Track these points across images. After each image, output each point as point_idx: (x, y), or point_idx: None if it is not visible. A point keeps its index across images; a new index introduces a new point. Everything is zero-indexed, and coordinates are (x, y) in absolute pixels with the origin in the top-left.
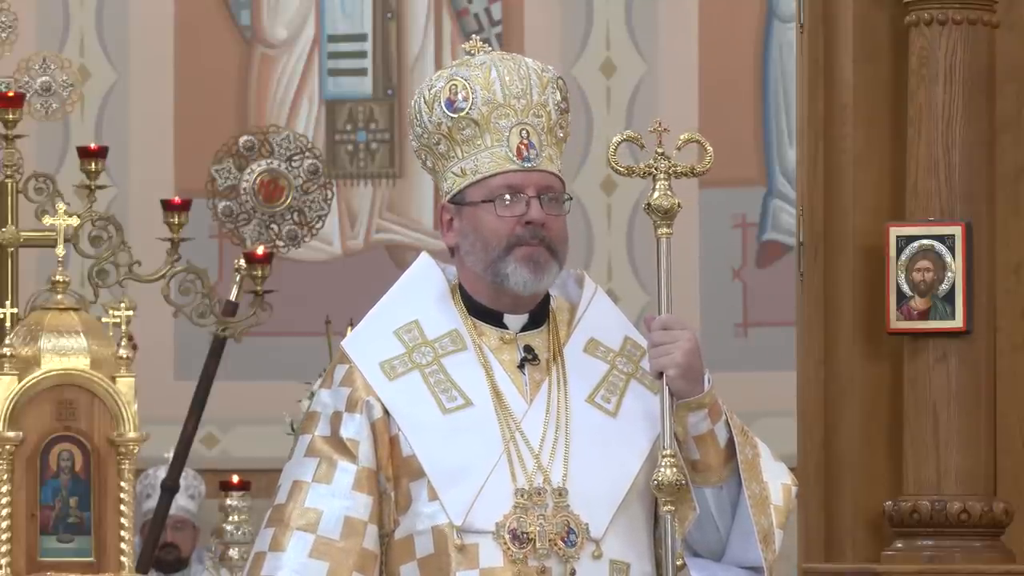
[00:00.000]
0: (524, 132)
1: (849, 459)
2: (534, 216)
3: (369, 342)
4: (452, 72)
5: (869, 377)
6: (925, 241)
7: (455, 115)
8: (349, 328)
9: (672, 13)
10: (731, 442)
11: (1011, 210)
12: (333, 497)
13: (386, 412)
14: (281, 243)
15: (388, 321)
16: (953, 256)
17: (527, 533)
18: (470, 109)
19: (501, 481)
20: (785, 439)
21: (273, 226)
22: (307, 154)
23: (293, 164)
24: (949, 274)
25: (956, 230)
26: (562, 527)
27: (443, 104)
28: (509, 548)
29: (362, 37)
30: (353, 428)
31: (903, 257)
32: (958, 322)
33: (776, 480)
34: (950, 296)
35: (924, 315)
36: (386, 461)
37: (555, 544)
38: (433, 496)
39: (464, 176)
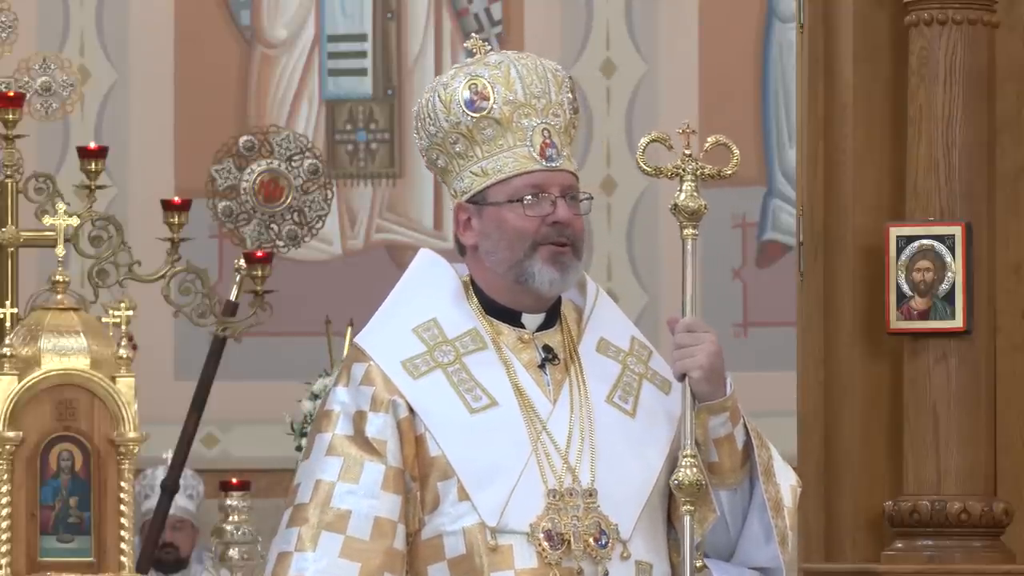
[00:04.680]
0: (546, 132)
1: (849, 459)
2: (561, 216)
3: (387, 340)
4: (469, 71)
5: (869, 377)
6: (925, 241)
7: (476, 115)
8: (349, 328)
9: (672, 13)
10: (747, 445)
11: (1011, 210)
12: (361, 497)
13: (411, 411)
14: (281, 243)
15: (404, 319)
16: (953, 256)
17: (562, 534)
18: (492, 109)
19: (532, 482)
20: (785, 439)
21: (273, 226)
22: (307, 154)
23: (293, 164)
24: (949, 274)
25: (956, 230)
26: (594, 528)
27: (463, 103)
28: (544, 549)
29: (362, 37)
30: (378, 427)
31: (903, 257)
32: (958, 322)
33: (785, 482)
34: (950, 296)
35: (924, 315)
36: (412, 460)
37: (588, 545)
38: (463, 496)
39: (485, 176)
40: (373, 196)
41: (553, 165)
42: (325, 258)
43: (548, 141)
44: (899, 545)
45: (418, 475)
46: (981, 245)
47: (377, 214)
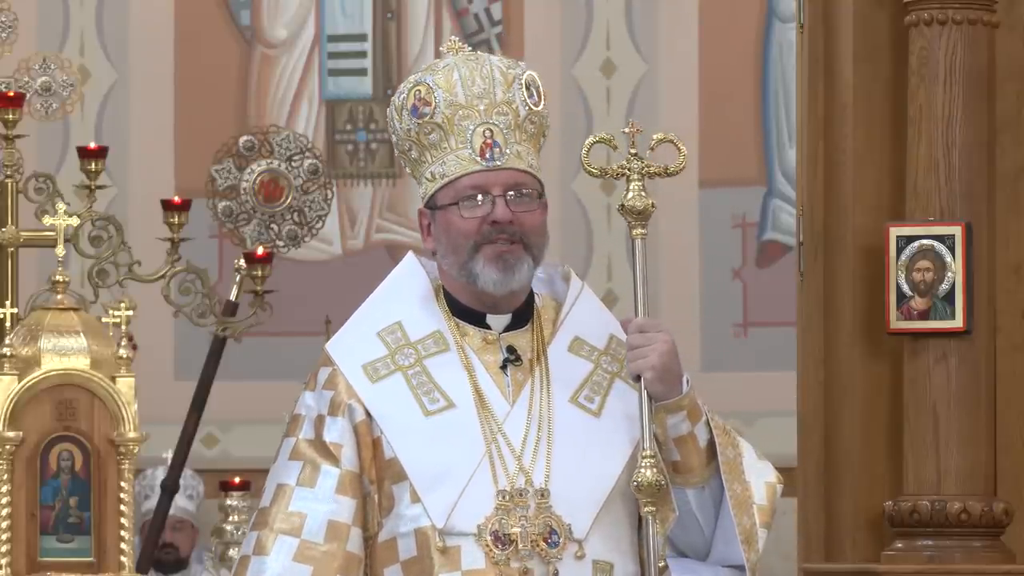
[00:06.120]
0: (487, 132)
1: (849, 459)
2: (499, 215)
3: (353, 344)
4: (417, 77)
5: (869, 377)
6: (925, 241)
7: (420, 120)
8: None
9: (672, 13)
10: (712, 443)
11: (1011, 210)
12: (317, 501)
13: (368, 415)
14: (281, 243)
15: (372, 323)
16: (953, 256)
17: (509, 535)
18: (433, 113)
19: (483, 483)
20: (785, 439)
21: (273, 226)
22: (307, 154)
23: (293, 164)
24: (949, 274)
25: (956, 230)
26: (544, 528)
27: (409, 110)
28: (491, 550)
29: (362, 37)
30: (336, 432)
31: (903, 257)
32: (958, 322)
33: (760, 479)
34: (950, 296)
35: (924, 315)
36: (369, 464)
37: (537, 545)
38: (415, 498)
39: (434, 180)
40: (373, 196)
41: (494, 164)
42: (325, 258)
43: (489, 141)
44: (899, 545)
45: (375, 478)
46: (981, 245)
47: (377, 214)
